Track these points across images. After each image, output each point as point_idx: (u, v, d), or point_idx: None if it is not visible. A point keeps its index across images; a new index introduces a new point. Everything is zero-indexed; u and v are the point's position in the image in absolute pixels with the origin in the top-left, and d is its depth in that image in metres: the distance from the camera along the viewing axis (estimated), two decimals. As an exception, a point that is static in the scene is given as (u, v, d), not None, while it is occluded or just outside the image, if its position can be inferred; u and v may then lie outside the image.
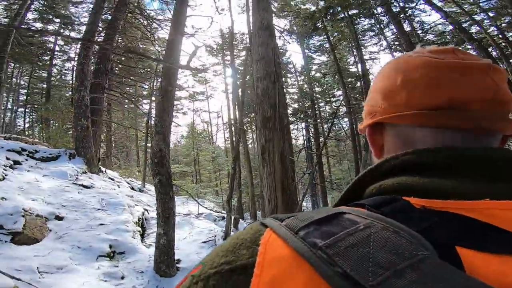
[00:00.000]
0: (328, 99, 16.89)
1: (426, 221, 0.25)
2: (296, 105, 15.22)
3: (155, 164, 4.59)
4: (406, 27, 10.26)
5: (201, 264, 0.29)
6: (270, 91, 3.96)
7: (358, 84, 14.27)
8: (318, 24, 11.36)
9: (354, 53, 13.50)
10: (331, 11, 10.49)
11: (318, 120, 14.29)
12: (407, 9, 9.99)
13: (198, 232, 6.35)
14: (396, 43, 11.58)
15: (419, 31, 10.76)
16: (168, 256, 4.40)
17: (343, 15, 10.54)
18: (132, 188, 8.83)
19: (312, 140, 13.38)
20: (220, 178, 18.96)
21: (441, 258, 0.21)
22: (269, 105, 3.92)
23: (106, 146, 13.46)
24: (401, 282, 0.19)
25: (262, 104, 3.97)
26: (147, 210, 6.66)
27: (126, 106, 14.68)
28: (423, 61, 0.36)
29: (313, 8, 11.39)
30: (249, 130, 16.23)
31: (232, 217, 6.83)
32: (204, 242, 5.81)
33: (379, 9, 10.40)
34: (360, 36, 12.14)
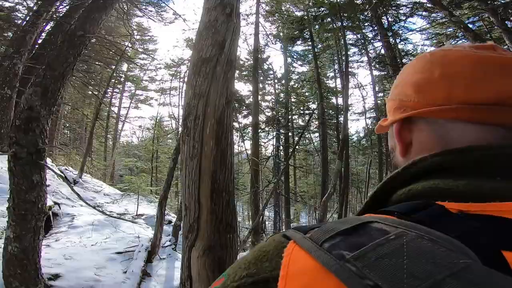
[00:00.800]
0: (302, 112, 16.81)
1: (466, 227, 0.23)
2: (270, 114, 14.78)
3: (15, 128, 2.82)
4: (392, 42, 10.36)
5: (223, 276, 0.28)
6: (219, 25, 2.21)
7: (334, 100, 14.29)
8: (306, 32, 11.08)
9: (335, 67, 13.44)
10: (321, 19, 10.20)
11: (290, 130, 13.88)
12: (395, 24, 10.05)
13: (118, 238, 5.04)
14: (377, 60, 11.63)
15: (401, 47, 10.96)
16: (24, 270, 2.97)
17: (333, 25, 10.30)
18: (65, 177, 7.37)
19: (281, 149, 12.81)
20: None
21: (486, 265, 0.19)
22: (213, 41, 2.14)
23: (49, 129, 11.68)
24: None
25: (201, 41, 2.19)
26: (58, 204, 5.31)
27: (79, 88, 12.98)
28: (466, 55, 0.34)
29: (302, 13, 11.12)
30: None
31: (172, 223, 5.71)
32: (119, 253, 4.53)
33: (366, 24, 10.38)
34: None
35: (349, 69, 14.04)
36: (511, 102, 0.31)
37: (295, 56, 14.54)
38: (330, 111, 14.14)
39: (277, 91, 15.55)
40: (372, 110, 13.76)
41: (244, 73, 13.32)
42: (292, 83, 15.68)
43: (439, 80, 0.34)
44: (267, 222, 12.82)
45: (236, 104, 13.25)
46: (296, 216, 17.06)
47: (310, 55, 12.97)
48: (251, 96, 11.70)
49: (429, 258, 0.20)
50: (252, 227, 7.33)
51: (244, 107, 13.29)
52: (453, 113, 0.33)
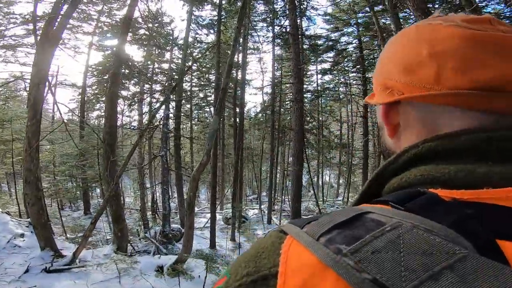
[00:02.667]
0: (202, 82, 15.88)
1: (459, 215, 0.23)
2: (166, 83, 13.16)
3: None
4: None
5: (225, 275, 0.28)
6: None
7: (234, 72, 13.89)
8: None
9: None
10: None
11: (184, 98, 12.72)
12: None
13: None
14: (281, 37, 11.78)
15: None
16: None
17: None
18: None
19: (172, 118, 11.53)
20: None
21: (482, 254, 0.20)
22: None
23: None
24: (440, 285, 0.18)
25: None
26: None
27: None
28: (458, 32, 0.31)
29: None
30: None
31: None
32: None
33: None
34: (251, 25, 11.73)
35: (257, 44, 14.01)
36: (503, 87, 0.29)
37: (201, 22, 13.09)
38: (231, 84, 13.75)
39: (178, 60, 13.95)
40: (269, 86, 14.05)
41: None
42: (196, 53, 14.28)
43: (427, 60, 0.31)
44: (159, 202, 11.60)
45: (126, 71, 11.16)
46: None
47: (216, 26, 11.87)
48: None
49: (425, 250, 0.20)
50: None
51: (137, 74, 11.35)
52: (442, 99, 0.31)
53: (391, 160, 0.32)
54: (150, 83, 13.07)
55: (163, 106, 8.88)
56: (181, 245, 5.70)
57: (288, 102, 14.42)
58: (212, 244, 8.55)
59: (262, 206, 14.07)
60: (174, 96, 10.38)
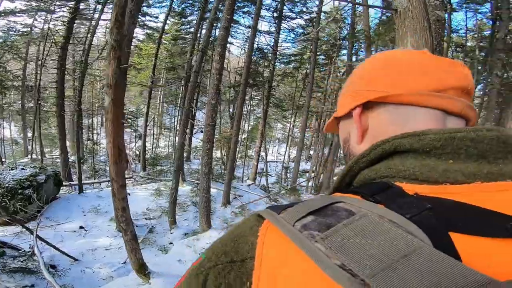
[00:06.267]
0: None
1: (419, 209, 0.25)
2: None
3: None
4: None
5: (201, 256, 0.29)
6: None
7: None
8: None
9: None
10: None
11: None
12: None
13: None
14: None
15: None
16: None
17: None
18: None
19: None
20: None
21: (436, 246, 0.21)
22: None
23: None
24: (396, 274, 0.19)
25: None
26: None
27: None
28: (415, 54, 0.39)
29: None
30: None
31: None
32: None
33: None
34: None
35: None
36: (445, 92, 0.36)
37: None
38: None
39: None
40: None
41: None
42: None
43: (396, 73, 0.38)
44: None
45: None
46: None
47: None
48: None
49: (387, 239, 0.22)
50: None
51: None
52: (410, 98, 0.36)
53: (364, 153, 0.34)
54: None
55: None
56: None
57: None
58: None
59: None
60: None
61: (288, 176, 13.88)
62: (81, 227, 6.11)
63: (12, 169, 6.51)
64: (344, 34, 11.12)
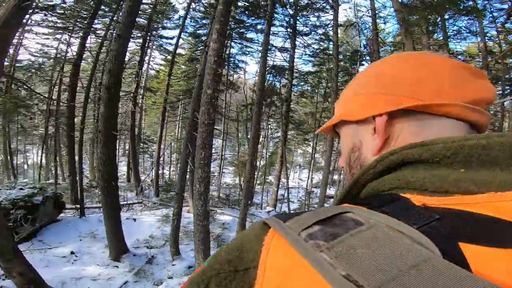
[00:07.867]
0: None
1: (428, 220, 0.24)
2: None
3: None
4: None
5: (204, 264, 0.29)
6: None
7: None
8: None
9: None
10: None
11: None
12: None
13: None
14: None
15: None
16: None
17: None
18: None
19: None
20: None
21: (445, 257, 0.21)
22: None
23: None
24: (405, 284, 0.19)
25: None
26: None
27: None
28: (448, 60, 0.38)
29: None
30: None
31: None
32: None
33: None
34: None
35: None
36: (477, 104, 0.35)
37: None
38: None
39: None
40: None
41: None
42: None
43: (432, 78, 0.36)
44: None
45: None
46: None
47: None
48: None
49: (395, 250, 0.21)
50: None
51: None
52: (451, 109, 0.34)
53: (371, 165, 0.34)
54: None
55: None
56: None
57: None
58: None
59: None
60: None
61: (312, 202, 12.60)
62: (72, 253, 5.42)
63: (9, 189, 6.11)
64: (364, 42, 10.43)
